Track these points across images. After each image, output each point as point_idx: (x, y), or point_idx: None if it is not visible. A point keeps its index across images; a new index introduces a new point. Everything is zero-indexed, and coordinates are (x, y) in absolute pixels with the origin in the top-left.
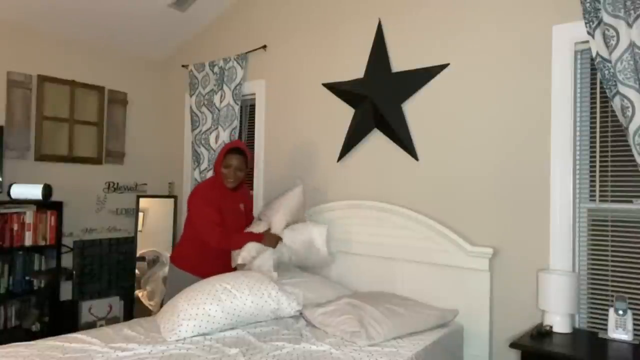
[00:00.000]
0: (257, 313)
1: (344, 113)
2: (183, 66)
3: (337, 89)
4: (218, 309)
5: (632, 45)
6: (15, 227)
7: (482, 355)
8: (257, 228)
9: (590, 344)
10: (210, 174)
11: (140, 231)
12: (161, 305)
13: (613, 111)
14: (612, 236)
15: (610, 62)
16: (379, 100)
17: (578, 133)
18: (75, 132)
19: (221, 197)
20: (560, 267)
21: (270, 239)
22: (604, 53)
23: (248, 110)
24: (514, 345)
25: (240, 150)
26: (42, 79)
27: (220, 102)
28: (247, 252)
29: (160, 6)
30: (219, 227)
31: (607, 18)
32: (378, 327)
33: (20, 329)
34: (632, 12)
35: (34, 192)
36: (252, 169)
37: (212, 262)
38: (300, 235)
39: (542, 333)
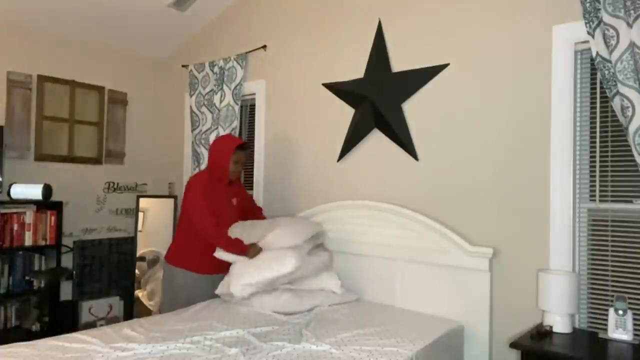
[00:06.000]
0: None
1: (344, 113)
2: (183, 66)
3: (337, 89)
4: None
5: (632, 45)
6: (15, 227)
7: (482, 355)
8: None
9: (590, 344)
10: None
11: (140, 231)
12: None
13: (613, 111)
14: (612, 236)
15: (610, 62)
16: (379, 100)
17: (578, 133)
18: (75, 132)
19: (217, 191)
20: (560, 267)
21: (254, 253)
22: (604, 53)
23: (248, 110)
24: (514, 345)
25: (247, 146)
26: (42, 79)
27: (220, 102)
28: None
29: (160, 6)
30: (214, 218)
31: (607, 18)
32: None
33: (20, 329)
34: (632, 12)
35: (34, 192)
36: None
37: (207, 257)
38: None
39: (542, 333)
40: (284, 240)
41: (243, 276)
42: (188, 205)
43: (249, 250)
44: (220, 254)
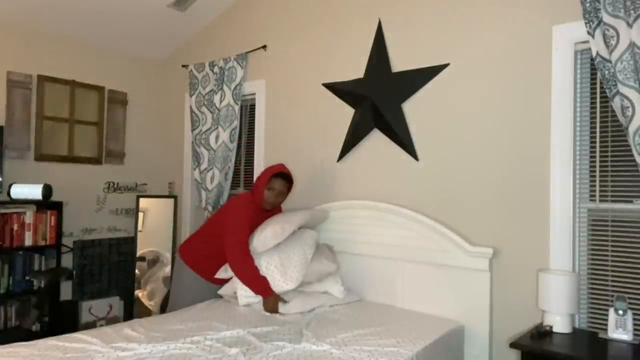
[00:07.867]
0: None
1: (344, 113)
2: (183, 66)
3: (337, 89)
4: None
5: (632, 45)
6: (15, 227)
7: (482, 355)
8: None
9: (590, 344)
10: (210, 174)
11: (140, 231)
12: (162, 305)
13: (613, 111)
14: (612, 236)
15: (610, 62)
16: (379, 100)
17: (578, 133)
18: (75, 132)
19: (254, 215)
20: (560, 267)
21: (268, 305)
22: (604, 53)
23: (248, 110)
24: (514, 345)
25: (286, 176)
26: (42, 79)
27: (220, 102)
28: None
29: (160, 6)
30: (247, 246)
31: (607, 18)
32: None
33: (20, 329)
34: (632, 12)
35: (34, 192)
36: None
37: (216, 266)
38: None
39: (542, 333)
40: (269, 240)
41: (248, 290)
42: (230, 218)
43: (271, 298)
44: (222, 274)
